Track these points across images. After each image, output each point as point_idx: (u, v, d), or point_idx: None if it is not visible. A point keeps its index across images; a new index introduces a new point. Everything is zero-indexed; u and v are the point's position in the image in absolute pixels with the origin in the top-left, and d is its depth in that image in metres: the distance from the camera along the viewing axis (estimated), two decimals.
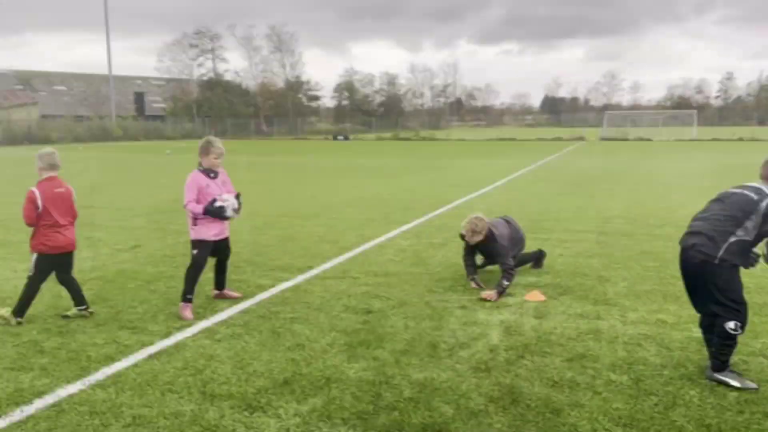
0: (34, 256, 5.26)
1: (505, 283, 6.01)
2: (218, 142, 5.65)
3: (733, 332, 3.97)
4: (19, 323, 5.23)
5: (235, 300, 5.93)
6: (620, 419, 3.59)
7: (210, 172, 5.62)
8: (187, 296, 5.49)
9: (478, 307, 5.69)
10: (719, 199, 4.16)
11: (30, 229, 5.29)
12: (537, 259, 7.16)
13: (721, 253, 3.93)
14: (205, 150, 5.58)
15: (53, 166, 5.28)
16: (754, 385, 3.96)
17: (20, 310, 5.26)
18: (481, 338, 4.89)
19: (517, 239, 6.80)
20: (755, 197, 3.94)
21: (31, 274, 5.28)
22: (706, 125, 68.72)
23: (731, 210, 3.98)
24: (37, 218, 5.16)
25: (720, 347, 4.04)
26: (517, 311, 5.56)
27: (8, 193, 15.41)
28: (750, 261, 4.05)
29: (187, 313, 5.43)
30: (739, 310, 3.97)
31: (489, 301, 5.81)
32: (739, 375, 4.05)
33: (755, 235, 3.92)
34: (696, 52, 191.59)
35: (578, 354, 4.55)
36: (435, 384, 4.06)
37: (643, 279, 6.61)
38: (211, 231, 5.59)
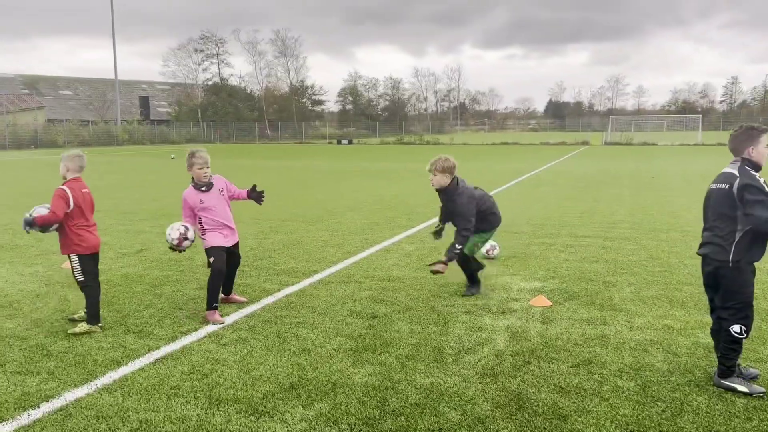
0: (75, 260, 5.19)
1: (458, 247, 5.70)
2: (200, 152, 5.57)
3: (738, 336, 3.95)
4: (102, 327, 5.25)
5: (241, 304, 5.93)
6: (627, 426, 3.57)
7: (201, 186, 5.60)
8: (212, 305, 5.47)
9: (484, 312, 5.69)
10: (706, 203, 4.16)
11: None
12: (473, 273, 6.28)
13: (732, 255, 3.92)
14: (189, 163, 5.57)
15: (82, 168, 5.31)
16: (762, 390, 3.94)
17: (94, 316, 5.22)
18: (486, 343, 4.88)
19: (485, 210, 6.02)
20: (727, 187, 3.94)
21: (80, 280, 5.22)
22: (710, 130, 68.56)
23: (719, 210, 3.98)
24: (66, 217, 5.11)
25: (725, 351, 4.03)
26: (523, 316, 5.54)
27: (15, 197, 15.47)
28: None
29: (216, 316, 5.44)
30: (746, 314, 3.96)
31: (439, 271, 5.71)
32: (746, 380, 4.03)
33: None
34: (700, 57, 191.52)
35: (585, 360, 4.53)
36: (441, 389, 4.05)
37: (649, 284, 6.59)
38: (219, 239, 5.59)
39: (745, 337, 3.98)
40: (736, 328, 3.95)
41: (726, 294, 3.99)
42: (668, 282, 6.67)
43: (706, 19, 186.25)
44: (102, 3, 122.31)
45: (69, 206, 5.09)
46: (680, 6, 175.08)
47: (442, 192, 5.94)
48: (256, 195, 5.97)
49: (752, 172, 3.91)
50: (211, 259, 5.54)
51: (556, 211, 12.20)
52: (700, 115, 65.45)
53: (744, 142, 4.00)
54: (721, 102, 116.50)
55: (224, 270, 5.59)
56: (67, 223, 5.13)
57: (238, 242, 5.88)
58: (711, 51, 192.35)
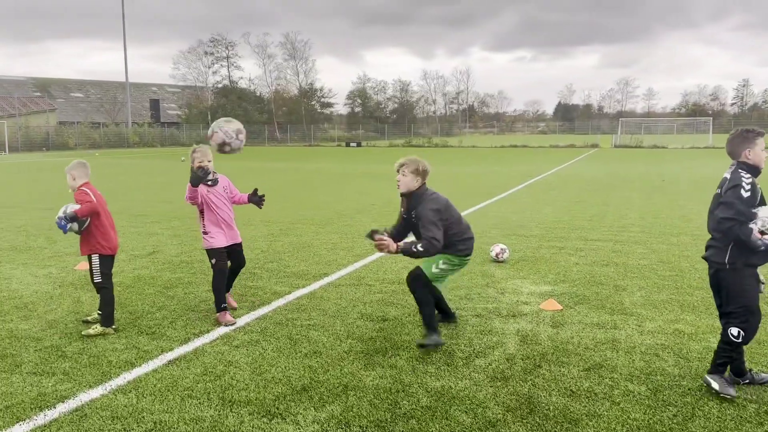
0: (95, 260, 5.25)
1: (419, 248, 4.75)
2: (200, 147, 5.59)
3: (734, 339, 3.90)
4: (115, 329, 5.28)
5: (252, 306, 5.97)
6: (638, 430, 3.58)
7: (207, 181, 5.60)
8: (221, 306, 5.51)
9: (494, 315, 5.70)
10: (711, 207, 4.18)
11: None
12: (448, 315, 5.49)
13: (727, 257, 3.91)
14: (192, 158, 5.59)
15: (88, 175, 5.40)
16: (733, 393, 3.89)
17: (108, 319, 5.26)
18: (497, 347, 4.90)
19: (458, 233, 5.01)
20: (720, 191, 3.97)
21: (98, 281, 5.27)
22: (721, 132, 68.09)
23: (716, 213, 3.99)
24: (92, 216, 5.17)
25: (719, 350, 4.01)
26: (534, 320, 5.55)
27: (28, 199, 15.64)
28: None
29: (228, 317, 5.48)
30: (746, 319, 3.89)
31: (387, 250, 4.76)
32: (726, 380, 3.96)
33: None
34: (711, 59, 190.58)
35: (595, 364, 4.54)
36: (452, 393, 4.07)
37: (659, 288, 6.58)
38: (221, 238, 5.62)
39: (741, 343, 3.92)
40: (733, 331, 3.89)
41: (728, 297, 3.96)
42: (679, 286, 6.65)
43: (717, 22, 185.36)
44: (113, 6, 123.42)
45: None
46: (690, 8, 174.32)
47: (407, 197, 5.03)
48: (257, 199, 5.98)
49: (745, 174, 3.88)
50: (213, 261, 5.59)
51: (566, 214, 12.18)
52: (711, 118, 65.02)
53: (740, 145, 3.98)
54: (732, 105, 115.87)
55: (226, 270, 5.64)
56: (93, 222, 5.22)
57: (240, 243, 5.87)
58: (722, 53, 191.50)
